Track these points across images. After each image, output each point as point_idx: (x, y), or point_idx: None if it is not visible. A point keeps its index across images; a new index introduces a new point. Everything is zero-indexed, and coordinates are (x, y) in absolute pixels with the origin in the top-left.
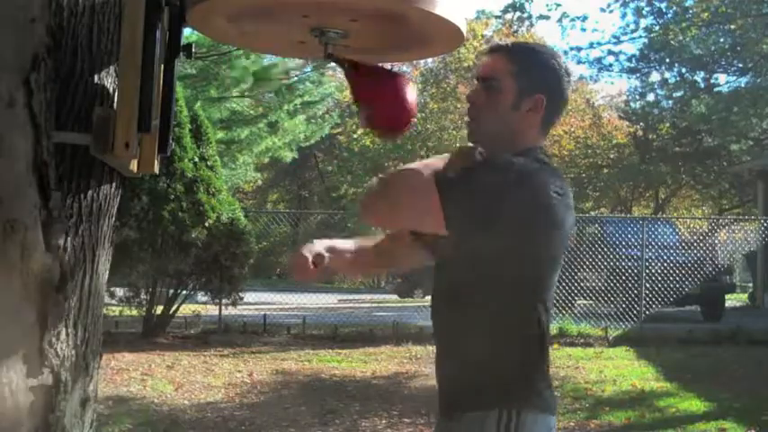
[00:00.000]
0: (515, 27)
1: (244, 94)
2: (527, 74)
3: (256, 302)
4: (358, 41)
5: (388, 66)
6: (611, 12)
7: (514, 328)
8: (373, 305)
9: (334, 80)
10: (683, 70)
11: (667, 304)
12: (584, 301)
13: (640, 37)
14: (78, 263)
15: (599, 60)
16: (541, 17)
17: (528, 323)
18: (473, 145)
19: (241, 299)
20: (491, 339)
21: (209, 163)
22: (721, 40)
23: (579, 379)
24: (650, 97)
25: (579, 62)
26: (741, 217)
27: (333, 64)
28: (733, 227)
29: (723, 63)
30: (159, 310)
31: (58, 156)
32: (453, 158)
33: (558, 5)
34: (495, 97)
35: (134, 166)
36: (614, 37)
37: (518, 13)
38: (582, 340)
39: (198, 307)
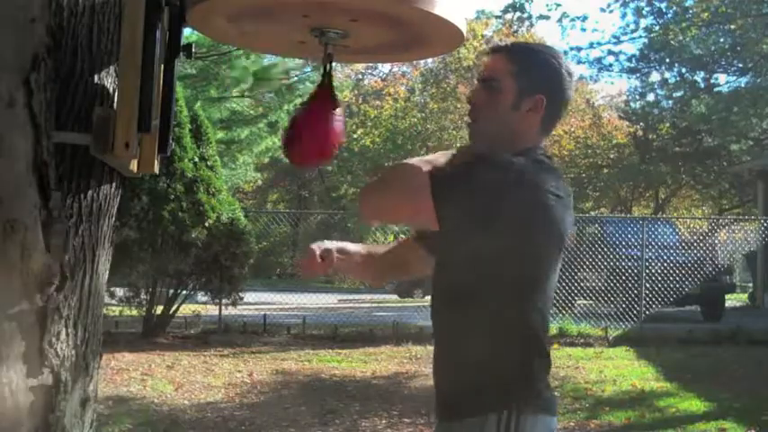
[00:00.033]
0: (515, 27)
1: (244, 94)
2: (527, 74)
3: (256, 302)
4: (358, 41)
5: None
6: (611, 12)
7: (514, 328)
8: (373, 305)
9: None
10: (683, 70)
11: (667, 304)
12: (584, 301)
13: (640, 37)
14: (78, 263)
15: (599, 60)
16: (541, 17)
17: (527, 323)
18: (473, 145)
19: (241, 299)
20: (491, 340)
21: (209, 163)
22: (721, 40)
23: (579, 379)
24: (650, 97)
25: (579, 62)
26: (741, 217)
27: (332, 64)
28: (733, 227)
29: (723, 63)
30: (159, 310)
31: (58, 156)
32: (453, 159)
33: (558, 5)
34: (496, 97)
35: (134, 166)
36: (614, 37)
37: (518, 14)
38: (582, 340)
39: (198, 307)
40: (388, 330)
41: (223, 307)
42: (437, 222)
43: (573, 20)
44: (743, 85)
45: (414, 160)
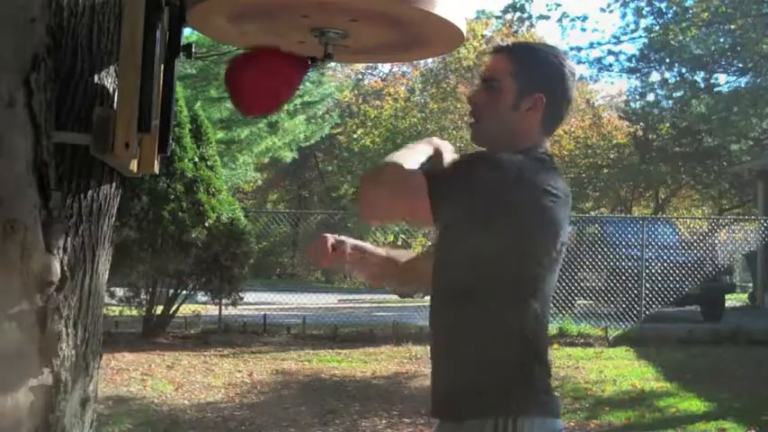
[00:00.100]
0: (515, 27)
1: None
2: (527, 73)
3: (256, 302)
4: (358, 41)
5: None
6: (611, 12)
7: (511, 328)
8: (373, 305)
9: (334, 80)
10: (683, 70)
11: (667, 304)
12: (584, 301)
13: (640, 37)
14: (78, 263)
15: (599, 60)
16: (541, 17)
17: (525, 324)
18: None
19: (241, 299)
20: (488, 340)
21: (209, 163)
22: (721, 40)
23: (579, 379)
24: (650, 97)
25: (579, 62)
26: (741, 217)
27: (333, 64)
28: (733, 227)
29: (723, 63)
30: (159, 310)
31: (58, 156)
32: (453, 161)
33: (558, 5)
34: (496, 97)
35: (134, 166)
36: (614, 37)
37: (518, 14)
38: (582, 340)
39: (198, 307)
40: (388, 330)
41: (223, 307)
42: (434, 221)
43: (573, 20)
44: (743, 85)
45: (400, 154)
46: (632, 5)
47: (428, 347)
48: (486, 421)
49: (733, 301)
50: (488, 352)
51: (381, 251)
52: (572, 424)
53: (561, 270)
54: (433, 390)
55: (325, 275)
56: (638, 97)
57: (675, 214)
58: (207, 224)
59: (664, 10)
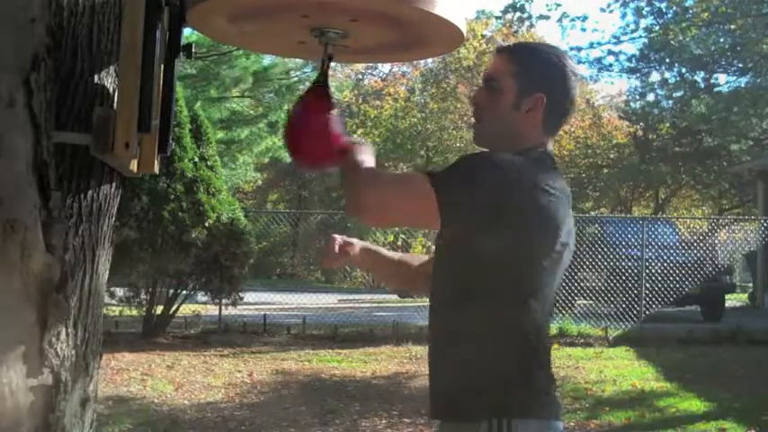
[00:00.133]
0: (515, 27)
1: (244, 94)
2: (527, 73)
3: (256, 302)
4: (358, 41)
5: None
6: (611, 12)
7: (513, 328)
8: (373, 305)
9: (334, 80)
10: (683, 70)
11: (667, 304)
12: (584, 301)
13: (640, 37)
14: (78, 263)
15: (599, 60)
16: (541, 17)
17: (527, 324)
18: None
19: (241, 299)
20: (485, 341)
21: (209, 163)
22: (721, 40)
23: (579, 379)
24: (650, 97)
25: (579, 62)
26: (741, 217)
27: (333, 64)
28: (733, 227)
29: (723, 63)
30: (159, 310)
31: (58, 156)
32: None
33: (558, 5)
34: (497, 98)
35: (134, 166)
36: (614, 37)
37: (518, 14)
38: (582, 340)
39: (198, 307)
40: (388, 330)
41: (223, 307)
42: (441, 222)
43: (573, 20)
44: (743, 85)
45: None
46: (632, 5)
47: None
48: (479, 424)
49: (733, 301)
50: (488, 352)
51: (393, 255)
52: (572, 424)
53: None
54: (431, 390)
55: (325, 275)
56: (638, 97)
57: (675, 214)
58: (207, 224)
59: (664, 10)
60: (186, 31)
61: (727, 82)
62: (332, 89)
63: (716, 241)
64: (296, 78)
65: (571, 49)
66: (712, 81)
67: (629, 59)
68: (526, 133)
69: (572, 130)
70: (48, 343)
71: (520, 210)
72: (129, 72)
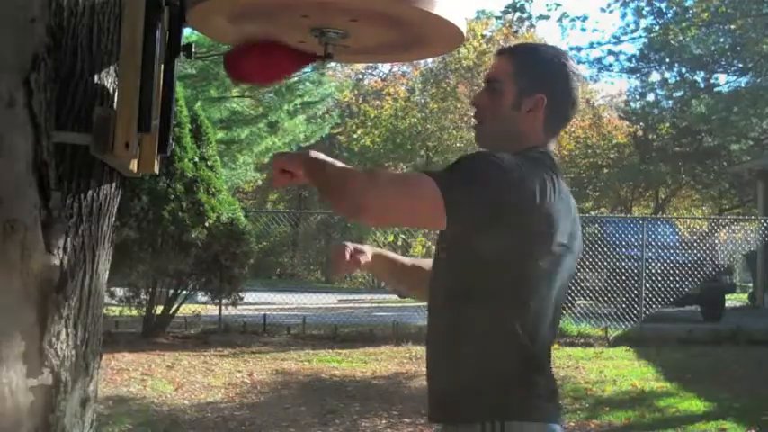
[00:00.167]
0: (515, 27)
1: (244, 94)
2: (527, 74)
3: (256, 302)
4: (358, 41)
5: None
6: (611, 12)
7: (511, 329)
8: (373, 305)
9: (334, 80)
10: (683, 70)
11: (667, 304)
12: (585, 301)
13: (640, 37)
14: (78, 263)
15: (599, 60)
16: (541, 17)
17: (525, 325)
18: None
19: (241, 299)
20: (488, 341)
21: (209, 163)
22: (721, 40)
23: (579, 379)
24: (650, 97)
25: (579, 62)
26: (741, 217)
27: (333, 64)
28: (733, 227)
29: (723, 63)
30: (159, 310)
31: (58, 156)
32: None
33: (558, 5)
34: (498, 99)
35: (134, 166)
36: (614, 37)
37: (518, 14)
38: (582, 340)
39: (198, 307)
40: (388, 330)
41: (223, 307)
42: (437, 222)
43: (573, 20)
44: (743, 85)
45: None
46: (632, 5)
47: None
48: (474, 426)
49: (733, 301)
50: (487, 353)
51: (405, 260)
52: (572, 424)
53: None
54: (431, 391)
55: (325, 275)
56: (638, 97)
57: (675, 214)
58: (207, 224)
59: (664, 10)
60: (186, 31)
61: (727, 82)
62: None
63: (716, 241)
64: (296, 78)
65: (571, 49)
66: (712, 81)
67: (629, 59)
68: (527, 134)
69: (572, 130)
70: (48, 343)
71: (519, 210)
72: (129, 72)
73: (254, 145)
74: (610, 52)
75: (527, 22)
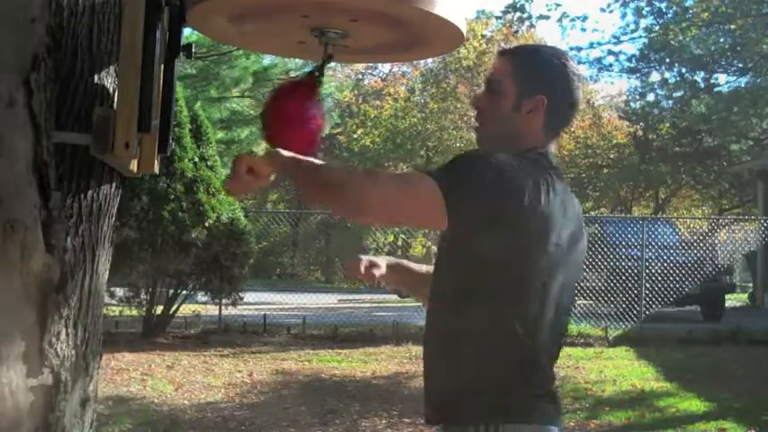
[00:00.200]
0: (515, 27)
1: (244, 94)
2: (527, 75)
3: (256, 302)
4: (358, 41)
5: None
6: (611, 12)
7: (509, 330)
8: (373, 305)
9: (334, 80)
10: (683, 70)
11: (667, 304)
12: (585, 301)
13: (640, 37)
14: (78, 263)
15: (599, 60)
16: (541, 17)
17: (526, 325)
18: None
19: (241, 299)
20: (489, 341)
21: (209, 163)
22: (721, 40)
23: (579, 379)
24: (650, 97)
25: (579, 62)
26: (741, 217)
27: (333, 64)
28: (733, 227)
29: (723, 63)
30: (159, 310)
31: (58, 156)
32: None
33: (558, 5)
34: (498, 100)
35: (134, 166)
36: (614, 37)
37: (518, 14)
38: (582, 340)
39: (198, 307)
40: (388, 330)
41: (223, 307)
42: (437, 221)
43: (573, 20)
44: (743, 85)
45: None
46: (632, 5)
47: None
48: (470, 429)
49: (733, 301)
50: (485, 353)
51: (420, 267)
52: (572, 424)
53: None
54: (430, 391)
55: (325, 275)
56: (638, 97)
57: (675, 214)
58: (207, 224)
59: (664, 10)
60: (186, 31)
61: (727, 82)
62: (322, 85)
63: (716, 241)
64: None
65: (571, 49)
66: (712, 81)
67: (629, 59)
68: (527, 134)
69: (572, 130)
70: (48, 343)
71: (517, 210)
72: (129, 72)
73: (254, 145)
74: (610, 52)
75: (527, 22)
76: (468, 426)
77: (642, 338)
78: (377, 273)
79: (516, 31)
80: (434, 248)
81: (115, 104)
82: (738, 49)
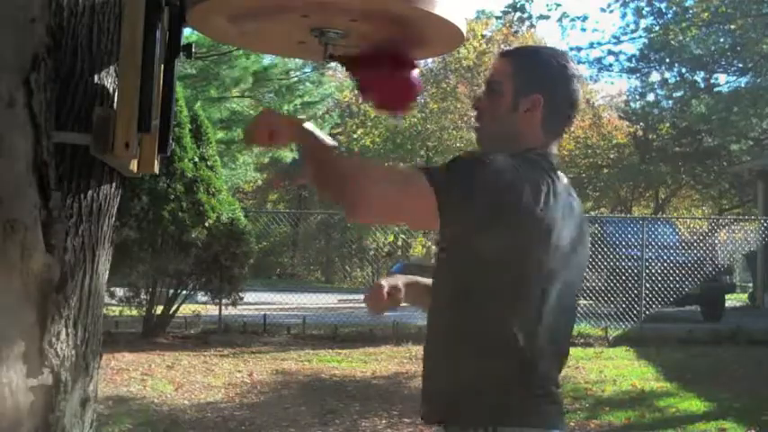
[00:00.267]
0: (515, 27)
1: (244, 94)
2: (524, 74)
3: (256, 302)
4: (358, 41)
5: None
6: (611, 12)
7: (512, 330)
8: None
9: (334, 80)
10: (683, 70)
11: (667, 304)
12: (585, 301)
13: (640, 37)
14: (78, 263)
15: (599, 60)
16: (541, 17)
17: (526, 325)
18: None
19: (241, 299)
20: (489, 341)
21: (209, 163)
22: (721, 40)
23: (579, 379)
24: (650, 97)
25: (579, 62)
26: (741, 217)
27: (333, 64)
28: (733, 227)
29: (723, 63)
30: (159, 310)
31: (58, 156)
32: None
33: (558, 5)
34: (497, 100)
35: (134, 166)
36: (614, 37)
37: (518, 14)
38: (582, 340)
39: (198, 307)
40: (388, 330)
41: (223, 307)
42: (437, 221)
43: (573, 20)
44: (743, 85)
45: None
46: (632, 5)
47: None
48: (468, 431)
49: (733, 301)
50: (485, 353)
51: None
52: (572, 424)
53: None
54: (430, 391)
55: (325, 275)
56: (638, 97)
57: (675, 214)
58: (207, 224)
59: (664, 10)
60: (186, 31)
61: (727, 82)
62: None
63: (716, 241)
64: (296, 78)
65: (571, 49)
66: (712, 81)
67: (629, 59)
68: (526, 134)
69: (572, 130)
70: (48, 343)
71: (517, 211)
72: (129, 72)
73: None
74: (610, 52)
75: (527, 22)
76: (469, 428)
77: (642, 338)
78: (399, 296)
79: (516, 31)
80: (434, 248)
81: (115, 104)
82: (738, 49)
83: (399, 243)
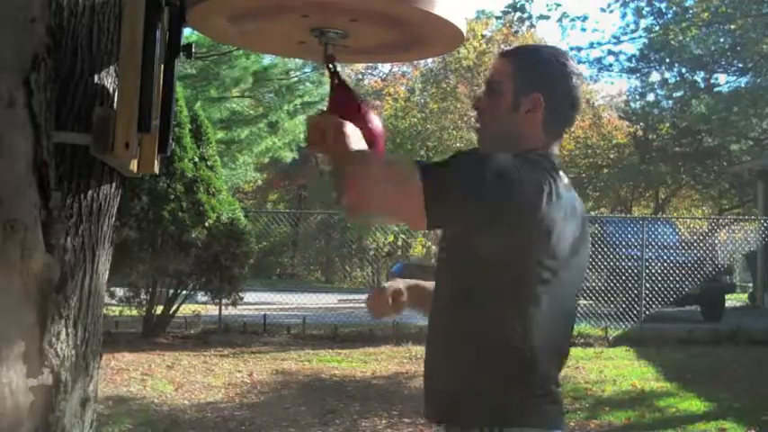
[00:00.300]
0: (515, 27)
1: (244, 94)
2: (524, 73)
3: (256, 302)
4: (358, 41)
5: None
6: (611, 12)
7: (512, 329)
8: None
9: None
10: (683, 70)
11: (667, 304)
12: (585, 301)
13: (640, 37)
14: (78, 263)
15: (599, 60)
16: (541, 17)
17: (527, 325)
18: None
19: (241, 299)
20: (490, 341)
21: (209, 163)
22: (721, 40)
23: (579, 379)
24: (650, 97)
25: (579, 62)
26: (741, 217)
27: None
28: (733, 227)
29: (723, 63)
30: (159, 310)
31: (58, 156)
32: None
33: (558, 5)
34: (497, 100)
35: (134, 166)
36: (614, 37)
37: (518, 14)
38: (582, 340)
39: (198, 307)
40: (388, 330)
41: (223, 307)
42: (429, 220)
43: (573, 20)
44: (743, 85)
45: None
46: (632, 5)
47: None
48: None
49: (733, 301)
50: (486, 353)
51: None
52: (572, 424)
53: None
54: (431, 391)
55: (325, 275)
56: (638, 97)
57: (675, 214)
58: (207, 224)
59: (664, 10)
60: (186, 31)
61: (727, 82)
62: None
63: (716, 241)
64: (296, 78)
65: (571, 49)
66: (712, 81)
67: (629, 59)
68: (527, 135)
69: (572, 130)
70: (48, 343)
71: (518, 211)
72: (129, 72)
73: (254, 145)
74: (610, 52)
75: (527, 22)
76: (469, 428)
77: (642, 338)
78: (401, 300)
79: (516, 31)
80: (434, 248)
81: (115, 104)
82: (738, 49)
83: (399, 243)
